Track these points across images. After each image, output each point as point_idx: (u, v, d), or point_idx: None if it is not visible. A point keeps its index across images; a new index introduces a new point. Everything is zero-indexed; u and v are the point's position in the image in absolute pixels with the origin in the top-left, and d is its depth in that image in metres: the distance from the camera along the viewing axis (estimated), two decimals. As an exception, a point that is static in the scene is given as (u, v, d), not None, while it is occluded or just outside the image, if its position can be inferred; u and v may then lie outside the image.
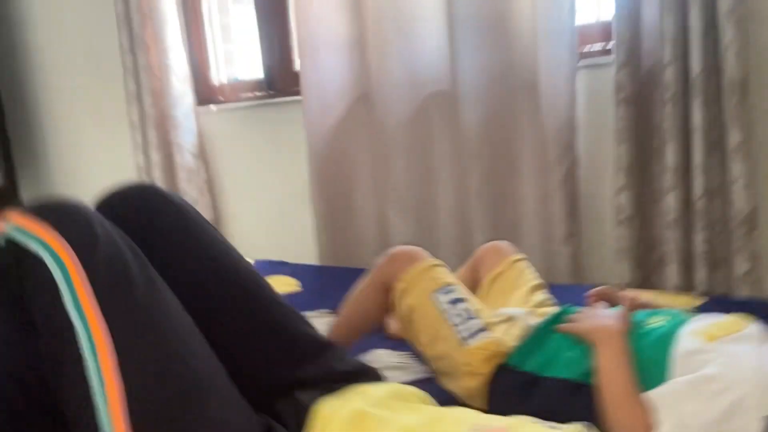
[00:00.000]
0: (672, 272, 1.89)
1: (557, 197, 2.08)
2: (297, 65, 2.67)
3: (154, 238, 0.91)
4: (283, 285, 1.99)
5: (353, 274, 2.03)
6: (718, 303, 1.50)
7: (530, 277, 1.38)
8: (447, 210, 2.28)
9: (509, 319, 1.18)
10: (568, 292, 1.66)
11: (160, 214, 0.94)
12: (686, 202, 1.86)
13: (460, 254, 2.25)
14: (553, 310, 1.25)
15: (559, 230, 2.10)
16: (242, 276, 0.99)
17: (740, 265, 1.79)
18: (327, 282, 2.02)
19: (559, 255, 2.10)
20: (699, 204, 1.83)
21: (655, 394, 0.91)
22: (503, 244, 1.48)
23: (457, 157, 2.23)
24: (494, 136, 2.17)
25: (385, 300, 1.26)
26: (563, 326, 1.11)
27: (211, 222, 1.04)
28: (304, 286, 1.98)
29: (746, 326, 1.00)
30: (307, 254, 2.44)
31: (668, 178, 1.87)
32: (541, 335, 1.12)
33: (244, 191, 2.85)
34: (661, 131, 1.89)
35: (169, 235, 0.93)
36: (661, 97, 1.88)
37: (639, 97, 1.92)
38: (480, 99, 2.16)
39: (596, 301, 1.19)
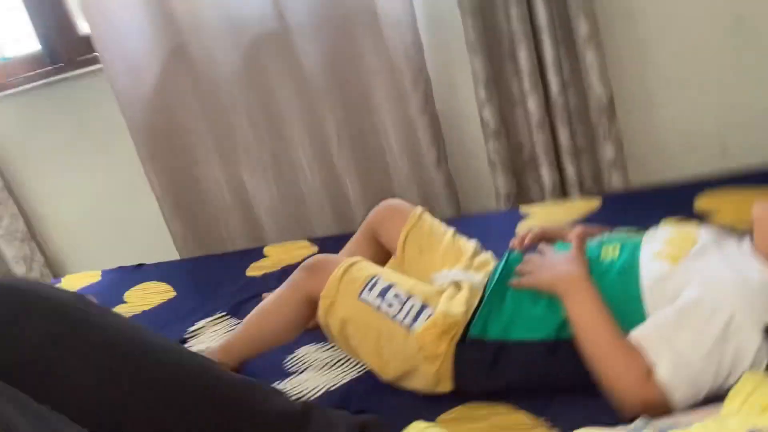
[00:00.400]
0: (546, 173, 1.91)
1: (420, 123, 1.98)
2: (83, 28, 2.22)
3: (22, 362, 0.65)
4: (154, 294, 1.72)
5: (225, 261, 1.82)
6: (616, 200, 1.52)
7: (442, 228, 1.28)
8: (308, 161, 2.09)
9: (450, 285, 1.08)
10: (473, 226, 1.61)
11: (21, 324, 0.67)
12: (546, 102, 1.86)
13: (334, 207, 2.10)
14: (494, 262, 1.17)
15: (428, 157, 2.02)
16: (172, 368, 0.75)
17: (607, 153, 1.84)
18: (200, 277, 1.78)
19: (434, 181, 2.04)
20: (558, 101, 1.83)
21: (641, 333, 0.86)
22: (396, 202, 1.35)
23: (305, 102, 2.02)
24: (340, 73, 1.98)
25: (310, 314, 1.11)
26: (519, 281, 1.03)
27: (30, 239, 0.77)
28: (176, 288, 1.73)
29: (698, 235, 0.99)
30: (164, 249, 2.13)
31: (526, 81, 1.84)
32: (494, 295, 1.04)
33: (62, 193, 2.40)
34: (511, 35, 1.83)
35: (42, 349, 0.67)
36: (503, 1, 1.81)
37: (482, 4, 1.83)
38: (316, 34, 1.95)
39: (533, 244, 1.12)
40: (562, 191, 1.93)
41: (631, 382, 0.84)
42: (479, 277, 1.10)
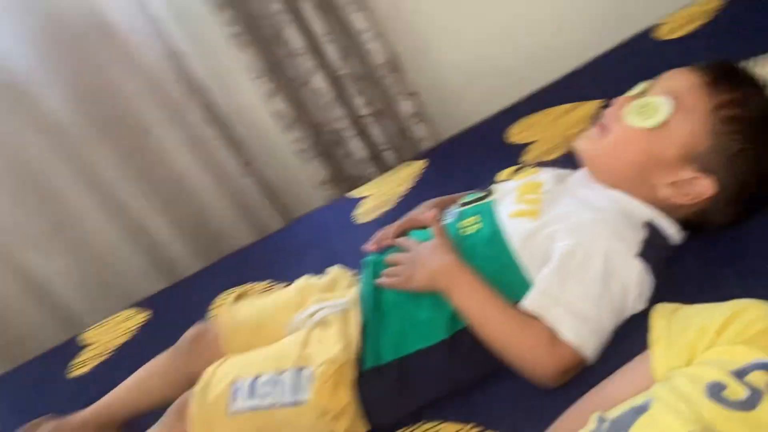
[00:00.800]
0: (356, 146, 1.84)
1: (208, 134, 1.80)
2: None
3: None
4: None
5: (35, 370, 1.49)
6: (439, 155, 1.50)
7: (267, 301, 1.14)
8: (97, 217, 1.80)
9: (314, 327, 0.96)
10: (307, 232, 1.50)
11: None
12: (331, 74, 1.77)
13: (148, 256, 1.85)
14: (349, 275, 1.07)
15: (230, 166, 1.86)
16: None
17: (406, 109, 1.82)
18: (16, 396, 1.45)
19: (245, 190, 1.88)
20: (343, 71, 1.76)
21: (531, 302, 0.83)
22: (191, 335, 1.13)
23: (67, 152, 1.72)
24: (95, 106, 1.71)
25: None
26: (387, 282, 0.94)
27: None
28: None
29: (541, 180, 0.97)
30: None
31: (304, 60, 1.73)
32: (373, 314, 0.95)
33: None
34: (272, 17, 1.70)
35: None
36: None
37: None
38: (49, 71, 1.65)
39: (392, 240, 1.04)
40: (375, 158, 1.89)
41: (540, 354, 0.81)
42: (345, 299, 0.99)
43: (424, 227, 1.04)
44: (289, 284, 1.17)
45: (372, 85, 1.83)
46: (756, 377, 0.54)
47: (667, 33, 1.38)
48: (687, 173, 0.86)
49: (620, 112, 0.90)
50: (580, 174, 0.97)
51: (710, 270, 0.87)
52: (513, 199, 0.95)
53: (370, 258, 1.04)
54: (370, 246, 1.06)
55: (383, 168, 1.89)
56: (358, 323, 0.94)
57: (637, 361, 0.69)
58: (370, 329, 0.93)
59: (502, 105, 1.60)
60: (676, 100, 0.86)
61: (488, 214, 0.95)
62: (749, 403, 0.52)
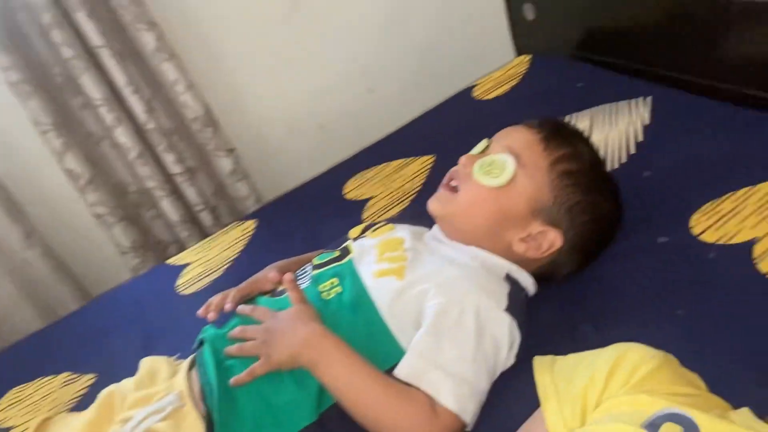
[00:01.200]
0: (166, 205, 1.66)
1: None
2: None
3: None
4: None
5: None
6: (269, 213, 1.39)
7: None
8: None
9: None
10: (107, 312, 1.28)
11: None
12: (137, 127, 1.59)
13: None
14: (173, 361, 0.90)
15: (14, 240, 1.56)
16: None
17: (224, 166, 1.69)
18: None
19: (31, 262, 1.59)
20: (150, 125, 1.59)
21: (407, 369, 0.76)
22: None
23: None
24: None
25: None
26: (249, 372, 0.79)
27: None
28: None
29: (400, 236, 0.93)
30: None
31: (103, 112, 1.54)
32: (220, 406, 0.78)
33: None
34: (64, 63, 1.49)
35: None
36: (39, 27, 1.45)
37: (12, 35, 1.43)
38: None
39: (234, 306, 0.90)
40: (190, 221, 1.72)
41: (421, 425, 0.74)
42: (171, 396, 0.83)
43: (272, 292, 0.93)
44: (95, 377, 0.95)
45: (184, 141, 1.68)
46: (668, 429, 0.53)
47: (482, 94, 1.46)
48: (536, 227, 0.88)
49: (468, 170, 0.90)
50: (436, 231, 0.95)
51: (563, 314, 0.89)
52: (374, 258, 0.89)
53: (207, 334, 0.90)
54: (202, 311, 0.92)
55: (200, 231, 1.74)
56: (199, 423, 0.79)
57: (531, 422, 0.65)
58: (219, 427, 0.78)
59: (326, 162, 1.56)
60: (517, 157, 0.88)
61: (348, 276, 0.88)
62: None
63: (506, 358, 0.81)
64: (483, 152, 0.93)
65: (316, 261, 0.94)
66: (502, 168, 0.88)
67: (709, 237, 0.88)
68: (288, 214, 1.34)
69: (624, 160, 1.09)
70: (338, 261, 0.92)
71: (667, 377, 0.59)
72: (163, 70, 1.54)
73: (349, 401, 0.77)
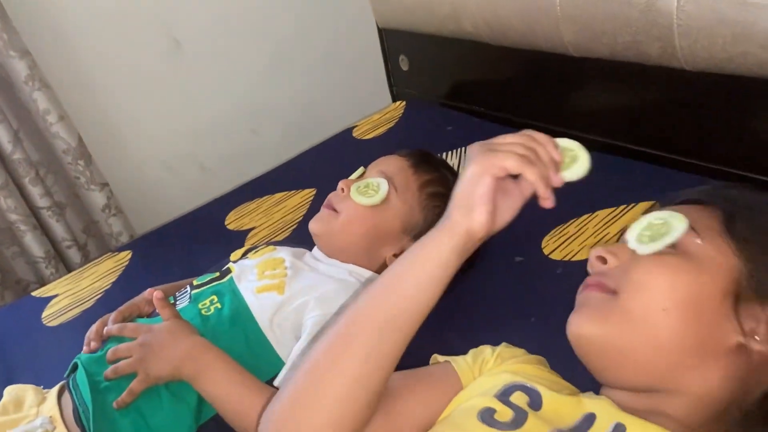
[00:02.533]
0: (30, 241, 1.57)
1: None
2: None
3: None
4: None
5: None
6: (149, 248, 1.36)
7: None
8: None
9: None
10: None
11: None
12: (1, 156, 1.51)
13: None
14: (43, 394, 0.86)
15: None
16: None
17: (97, 200, 1.64)
18: None
19: None
20: (16, 156, 1.51)
21: (283, 378, 0.79)
22: None
23: None
24: None
25: None
26: (129, 392, 0.77)
27: None
28: None
29: (281, 255, 0.95)
30: None
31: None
32: (97, 427, 0.75)
33: None
34: None
35: None
36: None
37: None
38: None
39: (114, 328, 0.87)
40: (56, 256, 1.64)
41: None
42: (41, 420, 0.79)
43: (150, 314, 0.92)
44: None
45: (54, 174, 1.61)
46: (517, 398, 0.60)
47: (362, 134, 1.55)
48: (408, 243, 0.95)
49: (347, 192, 0.96)
50: (315, 251, 1.00)
51: (433, 326, 0.95)
52: (254, 277, 0.92)
53: (81, 358, 0.86)
54: (88, 347, 0.88)
55: (66, 269, 1.66)
56: None
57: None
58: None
59: (204, 199, 1.57)
60: (390, 180, 0.96)
61: (228, 293, 0.89)
62: (516, 423, 0.57)
63: None
64: (360, 177, 1.00)
65: (195, 282, 0.95)
66: (376, 189, 0.95)
67: (557, 255, 1.00)
68: (166, 245, 1.33)
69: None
70: (218, 280, 0.93)
71: (532, 365, 0.67)
72: (34, 99, 1.49)
73: (230, 411, 0.78)
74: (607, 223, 1.03)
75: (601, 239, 0.99)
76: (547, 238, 1.04)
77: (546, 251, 1.01)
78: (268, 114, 1.90)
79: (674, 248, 0.57)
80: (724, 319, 0.54)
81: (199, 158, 1.86)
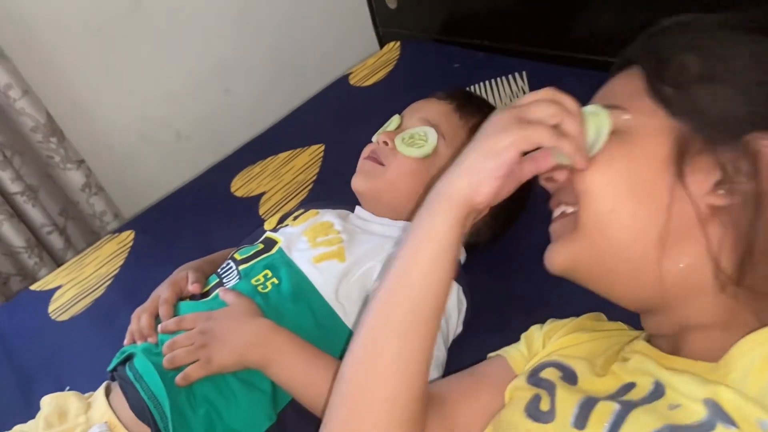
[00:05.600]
0: (8, 230, 1.43)
1: None
2: None
3: None
4: None
5: None
6: (153, 224, 1.24)
7: None
8: None
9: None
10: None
11: None
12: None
13: None
14: (86, 399, 0.77)
15: None
16: None
17: (74, 180, 1.50)
18: None
19: None
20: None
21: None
22: None
23: None
24: None
25: None
26: (184, 377, 0.69)
27: None
28: None
29: (328, 219, 0.87)
30: None
31: None
32: (171, 425, 0.67)
33: None
34: None
35: None
36: None
37: None
38: None
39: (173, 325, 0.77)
40: (37, 244, 1.50)
41: None
42: (98, 427, 0.71)
43: (192, 296, 0.83)
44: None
45: (22, 155, 1.46)
46: (548, 372, 0.56)
47: (360, 81, 1.45)
48: None
49: (391, 146, 0.88)
50: (360, 211, 0.92)
51: (493, 277, 0.90)
52: (307, 245, 0.83)
53: (136, 347, 0.77)
54: (140, 338, 0.78)
55: (50, 256, 1.53)
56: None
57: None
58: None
59: (187, 170, 1.45)
60: (437, 128, 0.88)
61: (283, 265, 0.81)
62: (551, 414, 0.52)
63: (456, 324, 0.80)
64: (399, 128, 0.92)
65: (239, 256, 0.86)
66: (424, 139, 0.87)
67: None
68: (170, 220, 1.23)
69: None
70: (266, 252, 0.85)
71: (575, 334, 0.63)
72: (-9, 73, 1.33)
73: (308, 396, 0.71)
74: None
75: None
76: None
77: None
78: (240, 71, 1.77)
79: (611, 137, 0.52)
80: (680, 189, 0.48)
81: (173, 124, 1.72)
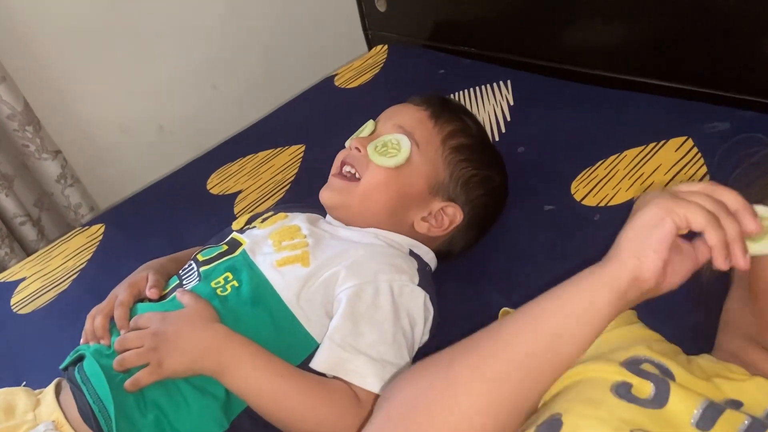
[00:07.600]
0: None
1: None
2: None
3: None
4: None
5: None
6: (124, 218, 1.22)
7: None
8: None
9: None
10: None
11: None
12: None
13: None
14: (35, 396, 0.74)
15: None
16: None
17: (50, 171, 1.47)
18: None
19: None
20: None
21: (326, 360, 0.69)
22: None
23: None
24: None
25: None
26: (133, 382, 0.67)
27: None
28: None
29: (296, 223, 0.84)
30: None
31: None
32: (122, 422, 0.65)
33: None
34: None
35: None
36: None
37: None
38: None
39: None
40: (9, 235, 1.47)
41: (345, 416, 0.68)
42: (43, 427, 0.68)
43: (146, 299, 0.81)
44: None
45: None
46: (647, 367, 0.53)
47: (345, 82, 1.44)
48: (437, 204, 0.86)
49: (364, 153, 0.86)
50: (330, 218, 0.89)
51: (469, 285, 0.88)
52: (271, 248, 0.81)
53: (87, 348, 0.75)
54: (92, 335, 0.76)
55: (21, 248, 1.50)
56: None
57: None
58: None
59: (167, 166, 1.42)
60: (410, 135, 0.86)
61: (244, 269, 0.79)
62: (660, 401, 0.50)
63: (422, 333, 0.78)
64: (371, 134, 0.89)
65: (201, 257, 0.84)
66: (397, 147, 0.85)
67: (590, 201, 0.93)
68: (142, 216, 1.20)
69: (497, 138, 1.12)
70: (229, 254, 0.82)
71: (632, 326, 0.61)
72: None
73: (264, 405, 0.69)
74: (638, 163, 0.96)
75: (636, 180, 0.93)
76: (575, 183, 0.97)
77: (577, 197, 0.95)
78: (228, 67, 1.74)
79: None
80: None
81: (156, 118, 1.70)
